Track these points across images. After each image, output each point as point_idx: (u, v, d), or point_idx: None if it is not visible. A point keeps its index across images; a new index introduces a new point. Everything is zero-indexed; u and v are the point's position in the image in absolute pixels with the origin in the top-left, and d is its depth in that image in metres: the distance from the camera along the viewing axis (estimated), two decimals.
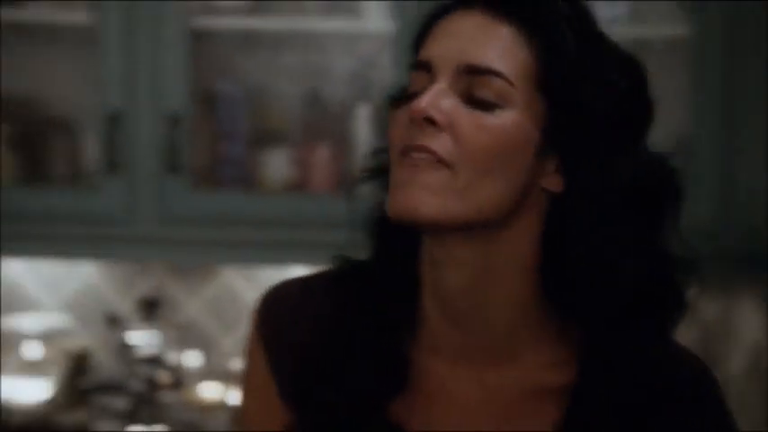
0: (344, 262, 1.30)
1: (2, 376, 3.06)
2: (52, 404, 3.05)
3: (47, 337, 3.09)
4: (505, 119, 1.15)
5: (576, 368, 1.22)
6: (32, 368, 3.06)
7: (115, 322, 3.07)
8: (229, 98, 2.96)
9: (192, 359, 3.05)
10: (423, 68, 1.19)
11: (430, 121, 1.15)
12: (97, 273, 3.18)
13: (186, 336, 3.10)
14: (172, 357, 3.04)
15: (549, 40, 1.16)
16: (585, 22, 1.19)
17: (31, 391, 3.04)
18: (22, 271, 3.20)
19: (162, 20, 2.83)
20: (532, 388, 1.23)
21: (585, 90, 1.16)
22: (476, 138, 1.14)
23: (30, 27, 3.03)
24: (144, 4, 2.82)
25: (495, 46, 1.15)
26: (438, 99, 1.15)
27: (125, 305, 3.16)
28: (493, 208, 1.15)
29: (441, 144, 1.14)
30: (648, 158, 1.20)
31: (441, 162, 1.14)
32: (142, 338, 3.04)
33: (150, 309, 3.08)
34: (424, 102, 1.15)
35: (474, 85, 1.16)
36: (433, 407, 1.25)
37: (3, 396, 3.04)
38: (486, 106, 1.15)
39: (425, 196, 1.14)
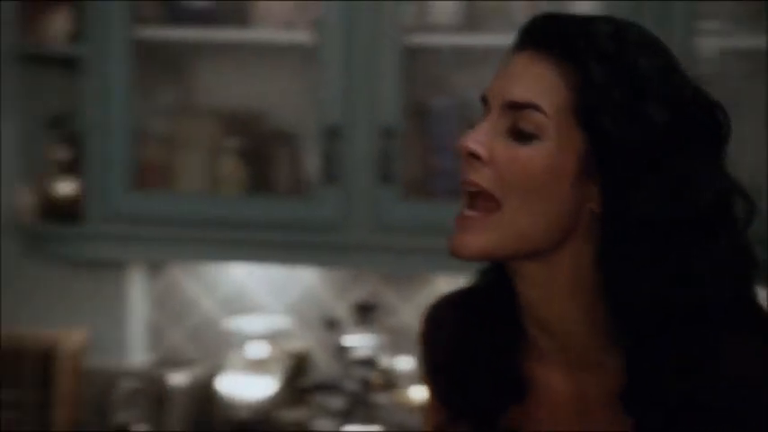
0: (481, 275, 1.34)
1: (228, 374, 3.08)
2: (274, 401, 3.06)
3: (270, 338, 3.10)
4: (540, 150, 1.19)
5: (625, 374, 1.23)
6: (257, 367, 3.07)
7: (333, 325, 3.07)
8: (441, 112, 2.91)
9: (404, 363, 3.01)
10: (484, 104, 1.25)
11: (475, 156, 1.21)
12: (317, 278, 3.18)
13: (399, 340, 3.06)
14: (385, 360, 3.01)
15: (584, 76, 1.19)
16: (632, 57, 1.20)
17: (255, 388, 3.06)
18: (247, 275, 3.22)
19: (378, 38, 2.82)
20: (618, 392, 1.24)
21: (617, 123, 1.18)
22: (511, 169, 1.19)
23: (257, 47, 3.05)
24: (362, 24, 2.82)
25: (534, 82, 1.20)
26: (480, 135, 1.21)
27: (342, 309, 3.14)
28: (538, 234, 1.20)
29: (483, 177, 1.20)
30: (699, 181, 1.20)
31: (482, 192, 1.20)
32: (358, 341, 3.02)
33: (366, 313, 3.06)
34: (468, 138, 1.21)
35: (517, 118, 1.20)
36: (540, 410, 1.28)
37: (229, 392, 3.06)
38: (525, 138, 1.20)
39: (473, 235, 1.21)
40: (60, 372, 3.22)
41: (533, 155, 1.20)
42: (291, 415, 3.05)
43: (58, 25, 3.13)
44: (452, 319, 1.33)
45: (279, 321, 3.15)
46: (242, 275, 3.23)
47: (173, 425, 3.12)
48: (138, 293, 3.30)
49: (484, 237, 1.21)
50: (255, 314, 3.20)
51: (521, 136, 1.21)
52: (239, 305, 3.23)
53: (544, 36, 1.22)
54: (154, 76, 3.13)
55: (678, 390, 1.18)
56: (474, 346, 1.30)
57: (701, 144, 1.22)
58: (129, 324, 3.29)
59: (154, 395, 3.13)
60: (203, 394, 3.15)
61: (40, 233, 3.14)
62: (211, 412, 3.13)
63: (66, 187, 3.14)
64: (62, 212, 3.13)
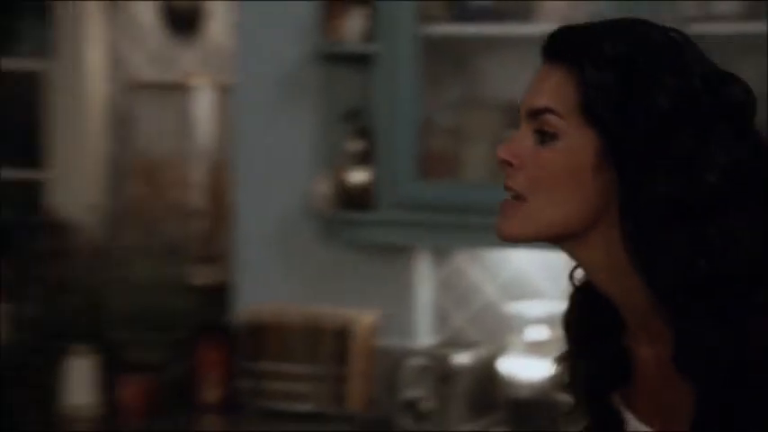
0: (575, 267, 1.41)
1: (509, 355, 3.07)
2: (552, 383, 3.01)
3: (549, 323, 3.06)
4: (560, 150, 1.30)
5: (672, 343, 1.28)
6: (536, 349, 3.05)
7: None
8: None
9: None
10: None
11: (508, 163, 1.32)
12: None
13: None
14: None
15: (586, 77, 1.28)
16: (628, 54, 1.28)
17: (535, 370, 3.03)
18: (528, 262, 3.19)
19: None
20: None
21: (615, 118, 1.27)
22: (537, 173, 1.30)
23: (539, 41, 3.01)
24: (641, 15, 2.72)
25: (549, 88, 1.31)
26: (512, 143, 1.32)
27: None
28: (565, 222, 1.30)
29: (516, 181, 1.31)
30: (711, 161, 1.25)
31: (518, 195, 1.31)
32: None
33: None
34: (502, 148, 1.32)
35: (540, 122, 1.31)
36: (640, 385, 1.33)
37: (509, 373, 3.05)
38: (548, 139, 1.30)
39: (508, 223, 1.32)
40: (354, 349, 3.29)
41: (554, 155, 1.30)
42: (569, 397, 3.00)
43: (354, 25, 3.20)
44: (569, 311, 1.42)
45: (557, 306, 3.11)
46: (522, 262, 3.20)
47: (457, 402, 3.13)
48: (424, 278, 3.33)
49: (519, 224, 1.32)
50: (535, 299, 3.17)
51: (544, 137, 1.31)
52: (519, 290, 3.20)
53: (556, 48, 1.32)
54: (440, 70, 3.14)
55: (721, 351, 1.23)
56: (583, 335, 1.39)
57: (715, 125, 1.27)
58: (416, 307, 3.32)
59: (439, 374, 3.15)
60: (485, 374, 3.15)
61: (335, 219, 3.22)
62: (493, 391, 3.12)
63: (358, 176, 3.21)
64: (355, 200, 3.19)
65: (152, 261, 3.59)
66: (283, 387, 3.34)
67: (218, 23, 3.72)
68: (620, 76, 1.27)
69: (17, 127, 4.33)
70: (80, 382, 3.37)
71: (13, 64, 4.22)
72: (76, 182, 3.90)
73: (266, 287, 3.42)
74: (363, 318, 3.32)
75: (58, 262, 3.72)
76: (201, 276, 3.64)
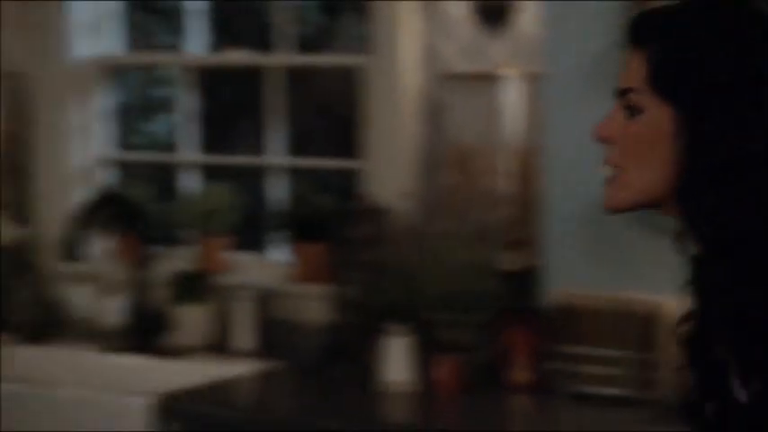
0: None
1: None
2: None
3: None
4: (643, 123, 1.47)
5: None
6: None
7: None
8: None
9: None
10: None
11: (605, 140, 1.52)
12: None
13: None
14: None
15: (653, 58, 1.45)
16: (689, 32, 1.43)
17: None
18: None
19: None
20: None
21: (677, 89, 1.43)
22: (626, 145, 1.48)
23: None
24: None
25: (630, 70, 1.49)
26: (606, 122, 1.51)
27: None
28: (655, 187, 1.47)
29: (612, 155, 1.51)
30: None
31: (616, 166, 1.50)
32: None
33: None
34: (597, 126, 1.52)
35: (627, 100, 1.49)
36: None
37: None
38: (634, 113, 1.48)
39: (609, 195, 1.52)
40: (663, 335, 3.27)
41: (638, 127, 1.47)
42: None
43: None
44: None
45: None
46: None
47: None
48: None
49: (617, 194, 1.50)
50: None
51: (631, 112, 1.48)
52: None
53: (632, 33, 1.49)
54: None
55: (748, 307, 1.40)
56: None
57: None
58: None
59: None
60: None
61: None
62: None
63: None
64: None
65: (464, 246, 3.68)
66: (591, 370, 3.36)
67: (528, 16, 3.76)
68: (681, 54, 1.43)
69: (336, 119, 4.54)
70: (397, 361, 3.51)
71: (332, 60, 4.42)
72: (392, 170, 4.05)
73: (574, 271, 3.45)
74: (672, 304, 3.29)
75: (376, 246, 3.87)
76: (510, 261, 3.70)
